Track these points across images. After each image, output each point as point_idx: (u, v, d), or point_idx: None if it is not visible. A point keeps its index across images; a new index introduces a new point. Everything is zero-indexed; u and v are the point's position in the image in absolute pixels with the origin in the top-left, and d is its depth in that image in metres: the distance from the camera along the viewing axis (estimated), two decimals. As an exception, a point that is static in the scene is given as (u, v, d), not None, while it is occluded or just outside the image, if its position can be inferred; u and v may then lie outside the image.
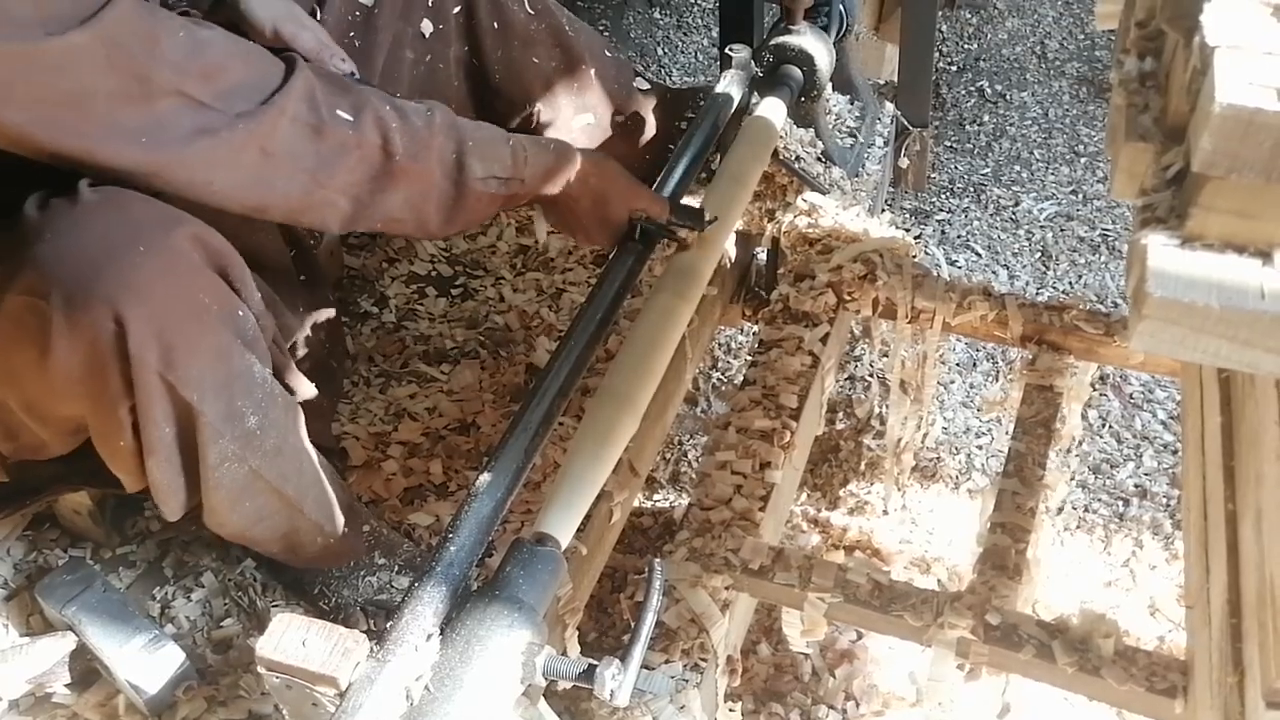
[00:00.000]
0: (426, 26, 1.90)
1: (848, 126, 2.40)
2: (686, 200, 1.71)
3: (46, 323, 1.16)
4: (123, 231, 1.18)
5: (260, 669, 1.11)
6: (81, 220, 1.18)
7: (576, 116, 2.08)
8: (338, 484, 1.57)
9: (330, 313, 1.79)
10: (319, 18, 1.79)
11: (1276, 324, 0.69)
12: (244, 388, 1.29)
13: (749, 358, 1.81)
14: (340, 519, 1.55)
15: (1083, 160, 2.89)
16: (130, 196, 1.19)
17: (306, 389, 1.59)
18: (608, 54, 2.10)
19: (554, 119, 2.06)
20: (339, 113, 1.25)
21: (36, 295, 1.16)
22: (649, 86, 2.17)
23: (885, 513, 2.02)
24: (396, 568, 1.66)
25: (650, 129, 2.16)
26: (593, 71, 2.05)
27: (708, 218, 1.61)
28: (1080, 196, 2.78)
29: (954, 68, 3.20)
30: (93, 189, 1.19)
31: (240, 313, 1.27)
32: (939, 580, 1.90)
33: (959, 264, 2.61)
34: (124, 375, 1.20)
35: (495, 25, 1.94)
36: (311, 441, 1.49)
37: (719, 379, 2.17)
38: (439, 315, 2.16)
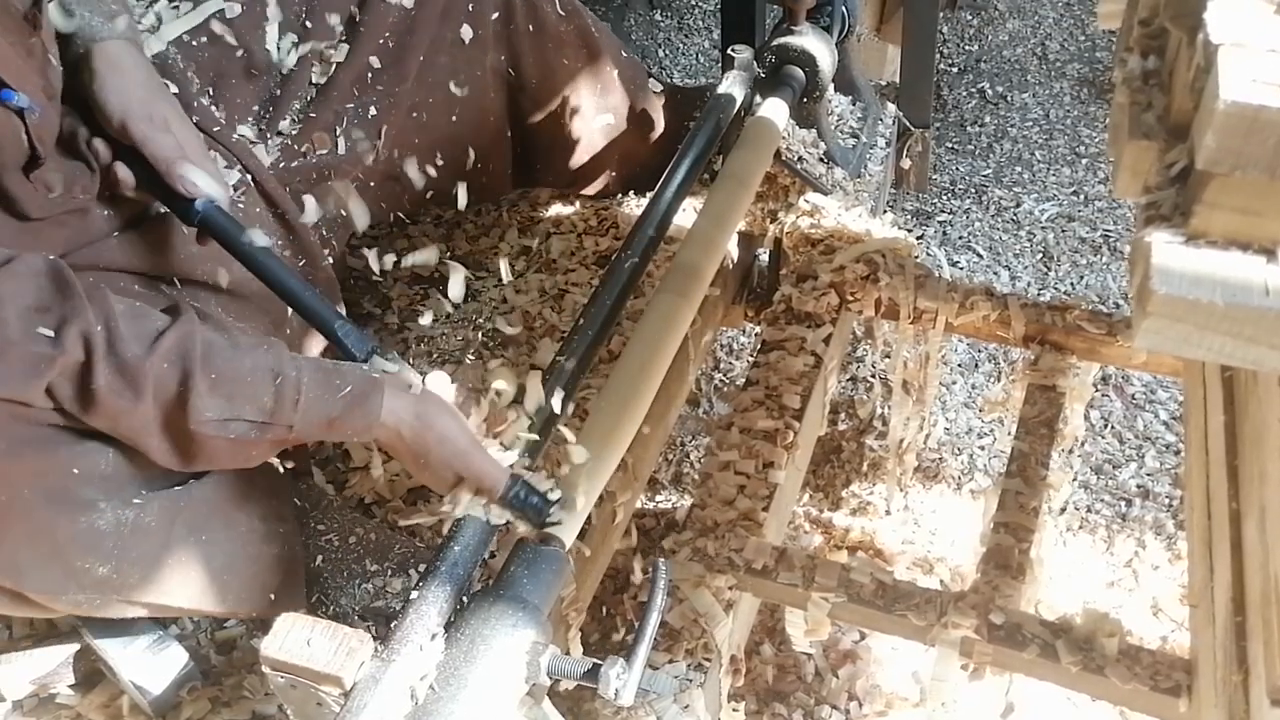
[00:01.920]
0: (466, 32, 1.88)
1: (850, 127, 2.41)
2: (683, 206, 1.71)
3: None
4: None
5: (265, 669, 1.11)
6: None
7: (598, 116, 2.09)
8: (271, 545, 1.44)
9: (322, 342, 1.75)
10: (359, 19, 1.77)
11: (1281, 321, 0.69)
12: (83, 547, 1.18)
13: (751, 358, 1.82)
14: (263, 595, 1.43)
15: (1084, 161, 2.89)
16: None
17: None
18: (624, 54, 2.11)
19: (578, 118, 2.07)
20: (39, 330, 1.08)
21: None
22: (661, 88, 2.18)
23: (888, 513, 2.02)
24: (390, 570, 1.65)
25: (660, 126, 2.16)
26: (615, 72, 2.06)
27: (553, 516, 1.26)
28: (1082, 197, 2.79)
29: (955, 69, 3.20)
30: None
31: (75, 469, 1.15)
32: (942, 580, 1.90)
33: (961, 265, 2.61)
34: None
35: (531, 28, 1.93)
36: (291, 465, 1.45)
37: (721, 380, 2.17)
38: (441, 317, 2.16)
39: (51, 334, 1.07)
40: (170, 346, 1.13)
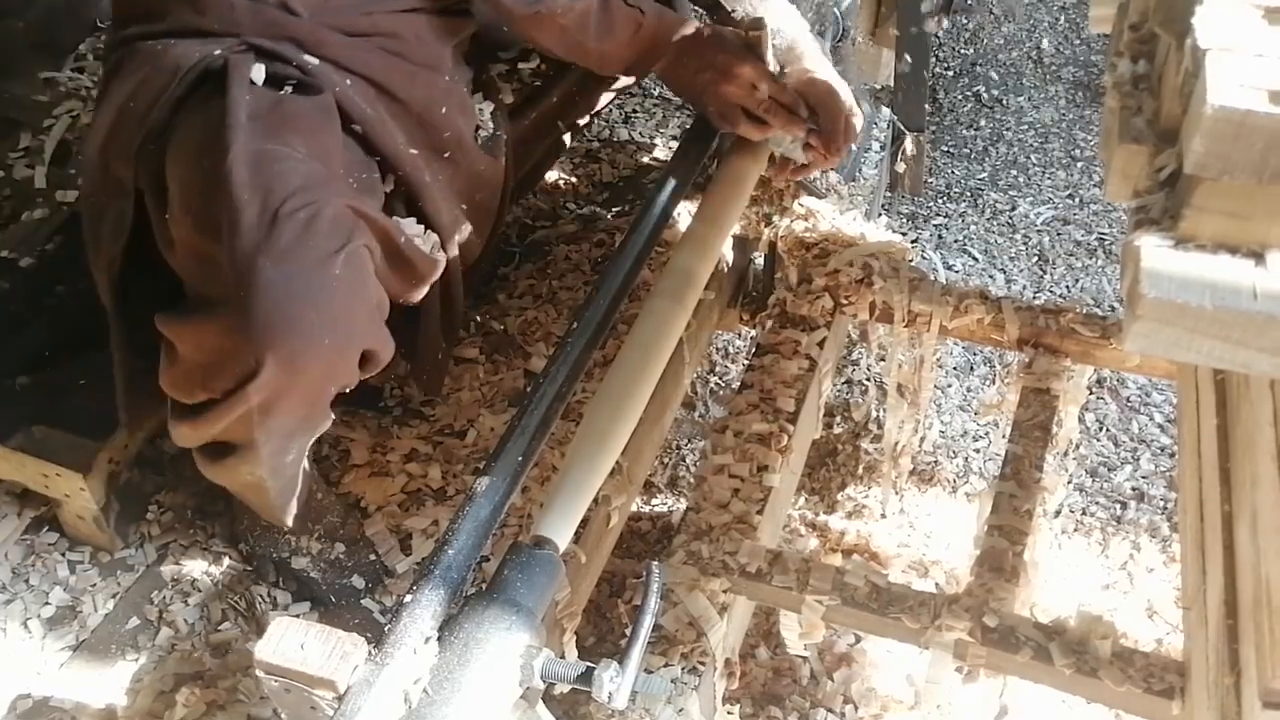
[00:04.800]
0: None
1: (844, 131, 2.40)
2: (678, 210, 1.72)
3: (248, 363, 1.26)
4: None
5: (259, 672, 1.10)
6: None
7: None
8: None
9: None
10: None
11: (1270, 324, 0.69)
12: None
13: (746, 362, 1.82)
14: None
15: (1079, 164, 2.90)
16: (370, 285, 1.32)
17: None
18: None
19: None
20: None
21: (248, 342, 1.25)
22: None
23: (883, 516, 2.03)
24: (317, 534, 1.71)
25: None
26: None
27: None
28: (1077, 200, 2.79)
29: (950, 73, 3.20)
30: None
31: None
32: (937, 583, 1.91)
33: (956, 268, 2.61)
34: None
35: None
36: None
37: (716, 383, 2.17)
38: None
39: None
40: None
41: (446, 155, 1.54)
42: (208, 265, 1.31)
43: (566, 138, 2.02)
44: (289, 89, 1.37)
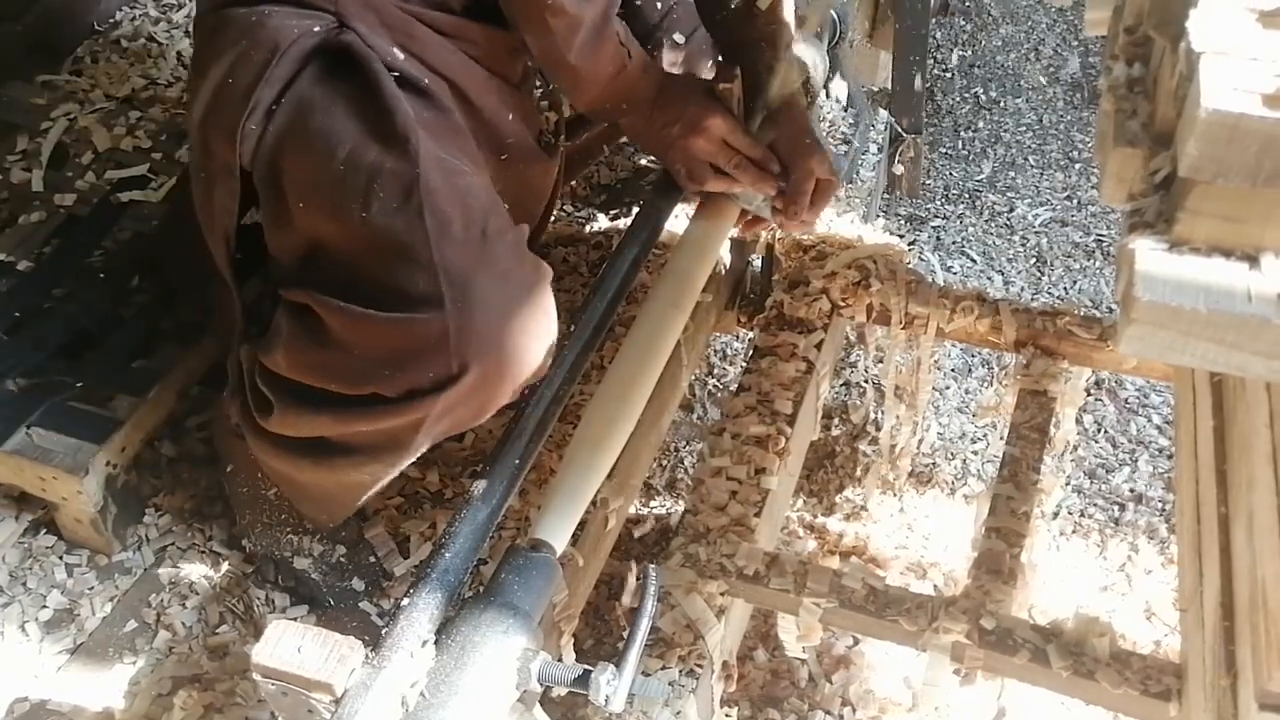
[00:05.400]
0: None
1: (842, 133, 2.42)
2: (676, 212, 1.71)
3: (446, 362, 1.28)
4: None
5: (256, 676, 1.10)
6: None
7: None
8: None
9: None
10: None
11: (1264, 327, 0.69)
12: None
13: (744, 364, 1.82)
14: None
15: (1077, 166, 2.90)
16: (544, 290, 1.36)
17: None
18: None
19: None
20: None
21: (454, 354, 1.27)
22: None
23: (881, 518, 2.03)
24: (319, 535, 1.71)
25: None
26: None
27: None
28: (1075, 202, 2.79)
29: (949, 74, 3.21)
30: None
31: None
32: (935, 585, 1.91)
33: (954, 270, 2.61)
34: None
35: None
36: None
37: (714, 385, 2.17)
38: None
39: None
40: None
41: (504, 158, 1.54)
42: (370, 257, 1.30)
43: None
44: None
